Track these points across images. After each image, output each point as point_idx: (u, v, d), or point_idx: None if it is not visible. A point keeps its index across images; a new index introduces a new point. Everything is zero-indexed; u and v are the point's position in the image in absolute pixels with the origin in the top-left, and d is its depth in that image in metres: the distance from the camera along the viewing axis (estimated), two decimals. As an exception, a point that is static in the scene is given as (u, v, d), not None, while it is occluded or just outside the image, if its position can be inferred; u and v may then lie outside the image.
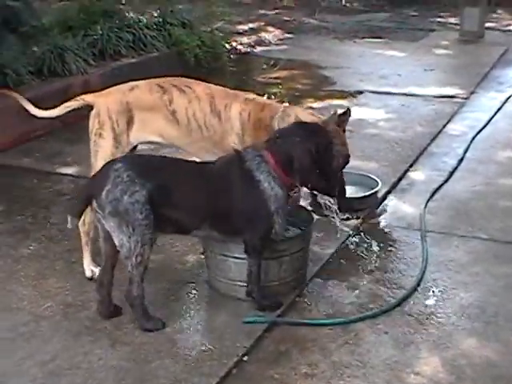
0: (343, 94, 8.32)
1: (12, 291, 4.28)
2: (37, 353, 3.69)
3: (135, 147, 4.40)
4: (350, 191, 5.31)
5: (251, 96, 4.44)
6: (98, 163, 4.17)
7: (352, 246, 4.76)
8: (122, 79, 8.24)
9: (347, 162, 4.21)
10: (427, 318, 3.91)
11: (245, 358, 3.64)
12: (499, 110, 7.52)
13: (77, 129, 7.32)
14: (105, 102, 4.28)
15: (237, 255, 4.02)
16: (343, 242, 4.78)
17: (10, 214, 5.29)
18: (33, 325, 3.94)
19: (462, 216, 5.16)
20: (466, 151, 6.33)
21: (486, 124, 7.06)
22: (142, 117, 4.28)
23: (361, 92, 8.39)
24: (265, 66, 9.87)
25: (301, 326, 3.87)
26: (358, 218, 5.07)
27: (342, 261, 4.57)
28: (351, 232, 4.90)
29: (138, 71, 8.65)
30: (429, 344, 3.70)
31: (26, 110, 4.65)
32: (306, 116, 4.21)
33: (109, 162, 3.77)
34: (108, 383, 3.47)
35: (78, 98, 4.44)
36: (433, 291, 4.17)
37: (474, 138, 6.65)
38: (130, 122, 4.26)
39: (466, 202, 5.41)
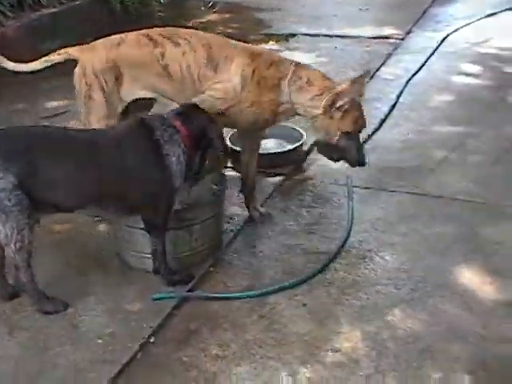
0: (276, 38, 7.92)
1: None
2: None
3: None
4: (274, 145, 5.04)
5: (258, 50, 4.11)
6: (92, 126, 3.93)
7: (273, 207, 4.43)
8: (41, 31, 7.90)
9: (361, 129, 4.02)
10: (350, 287, 3.63)
11: (152, 340, 3.36)
12: (435, 50, 7.15)
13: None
14: (90, 59, 3.93)
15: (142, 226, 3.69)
16: (264, 202, 4.46)
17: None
18: None
19: (392, 169, 4.85)
20: (399, 96, 6.01)
21: (421, 66, 6.70)
22: (131, 73, 3.93)
23: (294, 35, 8.00)
24: (203, 9, 9.43)
25: (213, 301, 3.58)
26: (281, 174, 4.75)
27: (260, 223, 4.25)
28: (272, 190, 4.59)
29: (60, 22, 8.23)
30: (350, 316, 3.43)
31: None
32: (319, 79, 3.90)
33: None
34: (4, 377, 3.18)
35: (62, 51, 4.05)
36: (357, 255, 3.88)
37: (407, 82, 6.32)
38: (119, 79, 3.93)
39: (398, 152, 5.11)
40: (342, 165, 4.79)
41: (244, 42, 7.54)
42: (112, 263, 3.93)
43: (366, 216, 4.25)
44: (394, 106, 5.83)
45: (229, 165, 4.74)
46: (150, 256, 3.75)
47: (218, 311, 3.52)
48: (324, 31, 8.05)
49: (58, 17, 8.28)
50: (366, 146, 5.06)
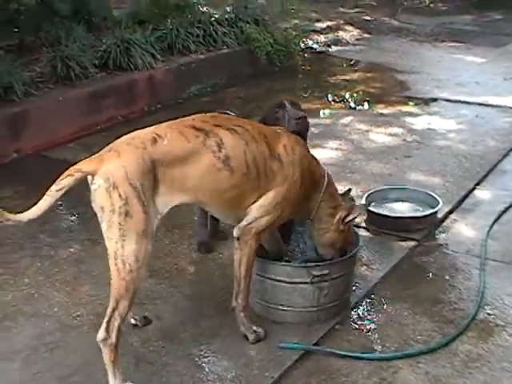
0: (416, 101, 7.94)
1: (44, 296, 4.17)
2: (57, 366, 3.55)
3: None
4: (407, 209, 5.04)
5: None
6: (130, 249, 3.21)
7: (403, 271, 4.42)
8: (188, 76, 8.21)
9: None
10: (475, 360, 3.56)
11: (271, 390, 3.41)
12: None
13: (138, 123, 7.22)
14: (119, 165, 3.18)
15: (273, 276, 3.77)
16: (394, 266, 4.45)
17: (55, 214, 5.13)
18: (58, 335, 3.82)
19: (528, 244, 4.75)
20: (539, 170, 5.90)
21: None
22: (170, 173, 3.32)
23: (434, 99, 7.99)
24: (345, 66, 9.61)
25: (335, 359, 3.59)
26: (413, 239, 4.73)
27: (390, 286, 4.24)
28: (404, 255, 4.57)
29: (206, 68, 8.56)
30: (473, 391, 3.37)
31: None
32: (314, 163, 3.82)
33: None
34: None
35: (72, 169, 3.21)
36: (485, 329, 3.80)
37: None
38: (155, 185, 3.29)
39: (535, 227, 4.99)
40: (475, 235, 4.78)
41: (383, 102, 7.73)
42: (238, 308, 4.01)
43: (496, 290, 4.15)
44: (533, 179, 5.72)
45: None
46: (275, 306, 3.82)
47: (340, 369, 3.52)
48: (465, 98, 8.01)
49: (205, 63, 8.61)
50: (503, 219, 5.01)
